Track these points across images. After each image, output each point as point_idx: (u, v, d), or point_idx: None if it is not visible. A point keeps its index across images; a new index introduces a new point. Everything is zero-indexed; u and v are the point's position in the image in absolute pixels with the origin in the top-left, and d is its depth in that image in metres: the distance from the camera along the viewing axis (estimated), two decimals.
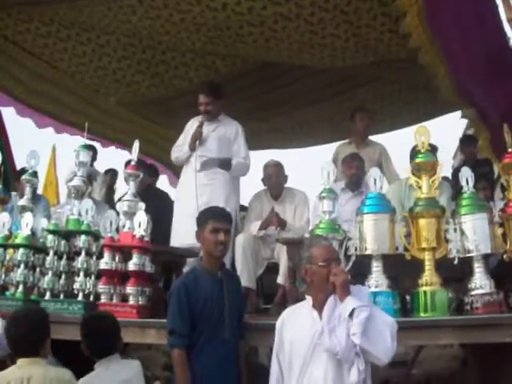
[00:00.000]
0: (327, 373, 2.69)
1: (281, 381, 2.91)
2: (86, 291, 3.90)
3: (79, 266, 3.93)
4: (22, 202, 4.33)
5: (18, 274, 4.02)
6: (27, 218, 4.15)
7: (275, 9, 5.12)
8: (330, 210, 3.66)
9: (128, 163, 4.36)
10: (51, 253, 4.01)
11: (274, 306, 4.35)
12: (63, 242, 4.04)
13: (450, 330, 3.26)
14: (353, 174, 4.93)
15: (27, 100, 6.69)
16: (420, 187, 3.62)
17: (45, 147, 8.00)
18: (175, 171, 7.41)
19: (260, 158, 5.68)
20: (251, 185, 5.49)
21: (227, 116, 5.21)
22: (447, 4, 4.44)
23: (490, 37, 4.77)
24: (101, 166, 6.82)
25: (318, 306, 2.83)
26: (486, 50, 4.74)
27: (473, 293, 3.36)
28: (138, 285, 3.79)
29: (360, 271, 3.55)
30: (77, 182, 4.18)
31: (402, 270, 3.72)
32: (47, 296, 3.96)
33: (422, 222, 3.52)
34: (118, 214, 4.13)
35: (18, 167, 5.90)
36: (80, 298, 3.89)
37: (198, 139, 4.95)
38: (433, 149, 4.05)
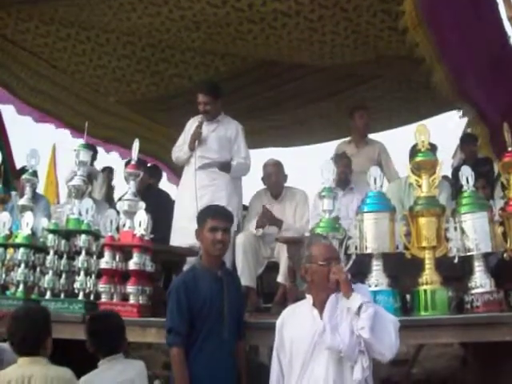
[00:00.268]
0: (328, 371, 2.70)
1: (281, 380, 2.92)
2: (87, 290, 3.89)
3: (79, 265, 3.92)
4: (23, 201, 4.32)
5: (19, 273, 4.01)
6: (27, 217, 4.14)
7: (275, 5, 5.13)
8: (330, 208, 3.66)
9: (128, 163, 4.36)
10: (51, 252, 4.00)
11: (274, 305, 4.35)
12: (63, 242, 4.03)
13: (450, 328, 3.26)
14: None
15: (27, 98, 6.69)
16: (420, 186, 3.62)
17: (44, 146, 8.02)
18: (175, 170, 7.42)
19: (260, 157, 5.69)
20: (252, 184, 5.49)
21: (227, 116, 5.21)
22: (445, 2, 4.44)
23: (489, 35, 4.76)
24: (101, 165, 6.85)
25: (319, 305, 2.83)
26: (485, 48, 4.73)
27: (473, 291, 3.36)
28: (138, 284, 3.79)
29: (360, 270, 3.55)
30: (77, 181, 4.17)
31: (402, 269, 3.73)
32: (48, 295, 3.95)
33: (422, 220, 3.52)
34: (118, 213, 4.12)
35: (18, 167, 5.90)
36: (80, 297, 3.88)
37: (197, 139, 4.94)
38: (432, 148, 4.05)
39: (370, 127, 5.88)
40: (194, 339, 3.16)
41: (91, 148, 4.78)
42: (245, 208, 5.32)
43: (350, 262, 3.48)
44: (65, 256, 4.03)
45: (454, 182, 4.87)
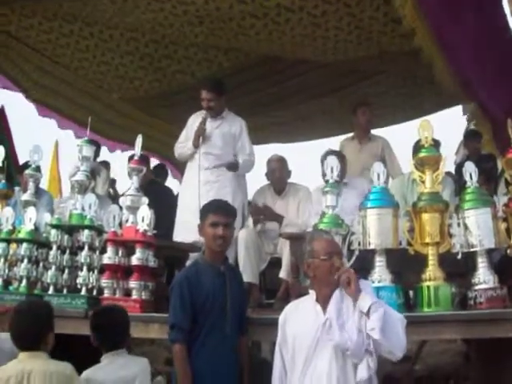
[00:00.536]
0: (331, 366, 2.69)
1: (284, 375, 2.91)
2: (89, 286, 3.89)
3: (82, 260, 3.92)
4: (26, 196, 4.32)
5: (22, 268, 4.01)
6: (31, 212, 4.14)
7: (278, 1, 5.11)
8: (333, 204, 3.65)
9: (131, 158, 4.35)
10: (54, 247, 4.00)
11: (276, 300, 4.35)
12: (66, 237, 4.03)
13: (453, 324, 3.25)
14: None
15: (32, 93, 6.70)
16: (423, 182, 3.60)
17: (47, 142, 8.02)
18: (177, 166, 7.42)
19: (263, 153, 5.69)
20: (255, 180, 5.49)
21: (231, 112, 5.20)
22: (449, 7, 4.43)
23: (492, 30, 4.75)
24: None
25: (322, 300, 2.83)
26: (488, 44, 4.72)
27: (476, 288, 3.35)
28: (141, 279, 3.79)
29: (362, 266, 3.54)
30: (80, 176, 4.16)
31: (405, 265, 3.71)
32: (50, 290, 3.95)
33: (426, 216, 3.51)
34: (121, 208, 4.12)
35: (21, 162, 5.91)
36: (83, 292, 3.88)
37: (201, 136, 4.93)
38: (436, 143, 4.03)
39: (373, 123, 5.86)
40: (196, 334, 3.15)
41: (94, 143, 4.77)
42: (249, 204, 5.31)
43: (353, 258, 3.48)
44: (68, 251, 4.03)
45: (458, 178, 4.85)
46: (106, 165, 6.91)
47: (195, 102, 5.32)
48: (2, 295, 3.99)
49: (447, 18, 4.62)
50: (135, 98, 7.09)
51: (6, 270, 4.11)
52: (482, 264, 3.39)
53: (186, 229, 4.58)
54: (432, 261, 3.47)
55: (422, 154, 3.62)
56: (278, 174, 4.98)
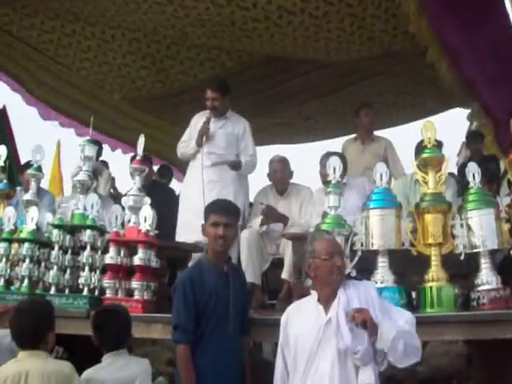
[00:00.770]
0: (334, 368, 2.67)
1: (285, 376, 2.90)
2: (91, 286, 3.88)
3: (84, 260, 3.91)
4: (28, 196, 4.32)
5: (23, 268, 4.01)
6: (32, 212, 4.14)
7: (280, 3, 5.12)
8: (335, 205, 3.64)
9: (133, 158, 4.35)
10: (56, 247, 3.99)
11: (279, 301, 4.34)
12: (68, 237, 4.02)
13: (456, 325, 3.24)
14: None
15: (34, 90, 6.70)
16: (426, 182, 3.59)
17: (48, 142, 8.01)
18: (179, 167, 7.41)
19: (265, 154, 5.68)
20: (256, 180, 5.49)
21: (234, 113, 5.20)
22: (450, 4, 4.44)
23: (495, 30, 4.75)
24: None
25: (323, 301, 2.82)
26: (492, 48, 4.72)
27: (479, 288, 3.33)
28: (143, 280, 3.78)
29: (364, 267, 3.54)
30: (82, 176, 4.16)
31: (407, 266, 3.71)
32: (52, 290, 3.94)
33: (429, 217, 3.49)
34: (123, 208, 4.12)
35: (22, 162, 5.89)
36: (85, 292, 3.88)
37: (204, 135, 4.93)
38: (438, 144, 4.02)
39: (376, 124, 5.85)
40: (200, 335, 3.13)
41: (96, 143, 4.77)
42: (250, 205, 5.31)
43: (356, 259, 3.47)
44: (69, 251, 4.02)
45: (460, 179, 4.84)
46: (104, 164, 6.90)
47: (198, 103, 5.33)
48: (3, 295, 3.99)
49: (448, 17, 4.62)
50: (137, 98, 7.10)
51: (8, 270, 4.11)
52: (484, 265, 3.38)
53: (188, 229, 4.58)
54: (435, 261, 3.46)
55: (425, 155, 3.60)
56: (280, 174, 4.97)
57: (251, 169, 5.13)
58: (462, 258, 3.41)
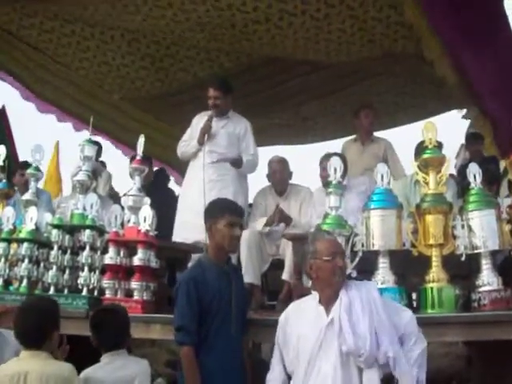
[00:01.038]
0: (336, 369, 2.65)
1: (284, 376, 2.89)
2: (91, 286, 3.87)
3: (84, 260, 3.89)
4: (27, 196, 4.29)
5: (22, 268, 3.98)
6: (32, 212, 4.12)
7: (280, 6, 5.12)
8: (336, 205, 3.63)
9: (133, 158, 4.34)
10: (55, 247, 3.97)
11: (279, 302, 4.33)
12: (67, 237, 4.01)
13: (457, 326, 3.23)
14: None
15: (33, 86, 6.68)
16: (427, 183, 3.58)
17: (46, 143, 7.99)
18: (179, 170, 7.39)
19: (264, 155, 5.66)
20: (255, 181, 5.48)
21: (236, 113, 5.20)
22: (455, 17, 4.44)
23: (494, 31, 4.75)
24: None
25: (324, 302, 2.80)
26: (490, 46, 4.72)
27: (480, 289, 3.32)
28: (142, 280, 3.77)
29: (365, 268, 3.52)
30: (82, 176, 4.14)
31: (407, 267, 3.70)
32: (51, 291, 3.92)
33: (430, 218, 3.48)
34: (122, 208, 4.10)
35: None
36: (84, 292, 3.86)
37: (206, 133, 4.92)
38: (438, 145, 4.02)
39: (375, 125, 5.85)
40: (204, 335, 3.10)
41: (96, 144, 4.76)
42: (250, 206, 5.30)
43: (357, 259, 3.46)
44: (69, 251, 4.00)
45: (460, 180, 4.84)
46: (102, 165, 6.88)
47: (198, 102, 5.34)
48: (2, 295, 3.97)
49: (449, 19, 4.62)
50: (137, 98, 7.08)
51: (7, 270, 4.09)
52: (485, 266, 3.37)
53: (187, 228, 4.57)
54: (436, 262, 3.45)
55: (426, 156, 3.59)
56: (280, 175, 4.97)
57: (252, 168, 5.14)
58: (463, 258, 3.40)
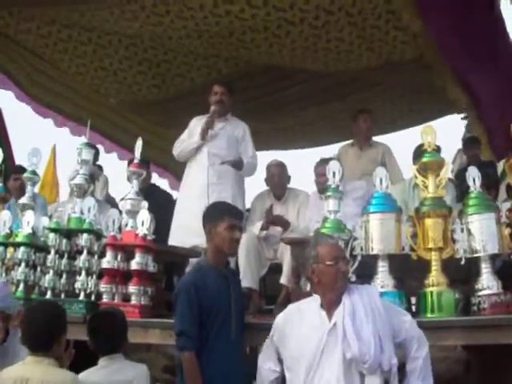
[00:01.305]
0: (339, 376, 2.62)
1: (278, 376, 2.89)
2: (88, 291, 3.84)
3: (81, 265, 3.86)
4: (24, 199, 4.27)
5: (19, 272, 3.95)
6: (28, 216, 4.09)
7: (279, 14, 5.12)
8: (335, 209, 3.62)
9: (131, 161, 4.32)
10: (52, 251, 3.95)
11: (277, 306, 4.29)
12: (64, 241, 3.98)
13: (457, 330, 3.22)
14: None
15: (29, 89, 6.67)
16: (426, 187, 3.58)
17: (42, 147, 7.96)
18: (176, 174, 7.37)
19: (262, 160, 5.65)
20: (253, 185, 5.47)
21: (234, 116, 5.20)
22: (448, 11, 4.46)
23: (491, 37, 4.77)
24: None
25: (326, 306, 2.78)
26: (489, 56, 4.74)
27: (480, 293, 3.31)
28: (140, 284, 3.75)
29: (363, 272, 3.51)
30: (79, 179, 4.13)
31: (406, 271, 3.69)
32: (48, 295, 3.89)
33: (429, 221, 3.47)
34: (120, 212, 4.08)
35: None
36: (81, 297, 3.83)
37: (210, 128, 4.90)
38: (437, 149, 4.02)
39: (373, 130, 5.84)
40: (204, 340, 3.07)
41: (93, 147, 4.73)
42: (247, 210, 5.27)
43: (356, 264, 3.45)
44: (66, 255, 3.98)
45: (458, 184, 4.83)
46: (99, 169, 6.85)
47: (194, 109, 5.30)
48: None
49: (446, 24, 4.64)
50: (133, 103, 7.06)
51: (3, 274, 4.05)
52: (485, 270, 3.36)
53: (186, 232, 4.53)
54: (435, 266, 3.44)
55: (425, 159, 3.59)
56: (278, 179, 4.96)
57: (252, 171, 5.14)
58: (463, 262, 3.39)
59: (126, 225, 3.98)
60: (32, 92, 6.74)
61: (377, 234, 3.46)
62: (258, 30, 5.42)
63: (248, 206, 5.30)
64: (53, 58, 6.41)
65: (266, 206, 4.92)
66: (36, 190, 4.78)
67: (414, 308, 3.54)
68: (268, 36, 5.48)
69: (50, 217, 4.40)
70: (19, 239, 4.04)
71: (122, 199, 4.44)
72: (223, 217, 3.24)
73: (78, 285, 3.85)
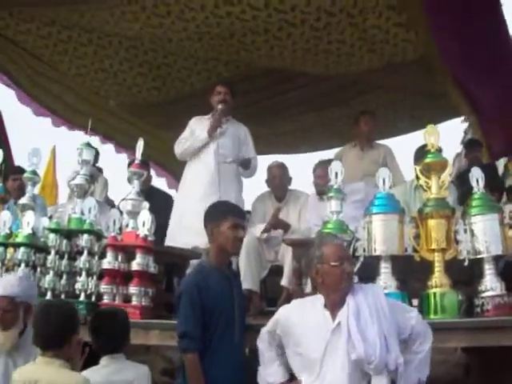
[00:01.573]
0: (343, 377, 2.60)
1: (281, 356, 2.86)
2: (88, 291, 3.81)
3: (81, 265, 3.83)
4: (24, 200, 4.24)
5: (19, 273, 3.90)
6: (29, 216, 4.06)
7: (280, 16, 5.11)
8: (337, 210, 3.61)
9: (132, 162, 4.29)
10: (53, 252, 3.92)
11: (278, 308, 4.27)
12: (65, 242, 3.95)
13: (460, 332, 3.20)
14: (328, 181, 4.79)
15: (29, 90, 6.64)
16: (429, 188, 3.56)
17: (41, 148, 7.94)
18: (174, 175, 7.35)
19: (260, 163, 5.63)
20: (249, 187, 5.45)
21: (234, 119, 5.20)
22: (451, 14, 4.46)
23: (492, 41, 4.77)
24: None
25: (330, 307, 2.76)
26: (490, 61, 4.74)
27: (483, 295, 3.29)
28: (141, 285, 3.72)
29: (365, 274, 3.49)
30: (80, 180, 4.10)
31: (409, 273, 3.67)
32: (48, 296, 3.85)
33: (432, 222, 3.46)
34: (121, 213, 4.06)
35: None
36: (82, 298, 3.80)
37: (218, 126, 4.89)
38: (439, 150, 4.01)
39: (375, 133, 5.84)
40: (207, 341, 3.05)
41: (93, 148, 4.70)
42: (248, 213, 5.25)
43: (358, 265, 3.43)
44: (66, 256, 3.95)
45: (458, 186, 4.82)
46: (99, 170, 6.82)
47: (194, 111, 5.29)
48: None
49: (449, 27, 4.64)
50: (133, 105, 7.04)
51: (3, 275, 4.01)
52: (488, 271, 3.34)
53: (188, 232, 4.49)
54: (438, 267, 3.42)
55: (428, 160, 3.57)
56: (279, 180, 4.94)
57: (253, 172, 5.15)
58: (466, 263, 3.38)
59: (127, 225, 3.95)
60: (33, 93, 6.71)
61: (380, 235, 3.44)
62: (258, 31, 5.41)
63: (247, 207, 5.29)
64: (52, 59, 6.38)
65: (266, 207, 4.90)
66: (36, 191, 4.78)
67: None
68: (269, 38, 5.47)
69: (50, 217, 4.37)
70: (19, 240, 4.01)
71: (123, 200, 4.41)
72: (226, 216, 3.22)
73: (78, 286, 3.81)
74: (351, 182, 4.91)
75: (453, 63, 4.93)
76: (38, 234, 4.13)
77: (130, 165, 4.60)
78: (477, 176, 3.49)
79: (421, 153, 4.07)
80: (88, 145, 4.25)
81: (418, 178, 3.86)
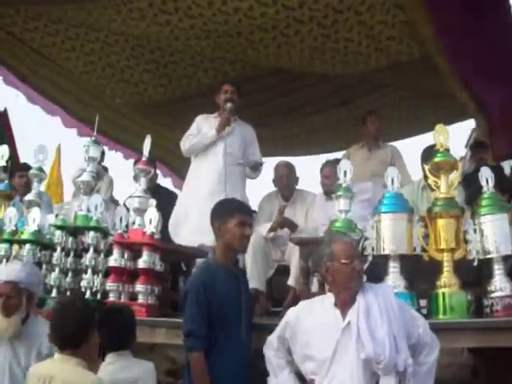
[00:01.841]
0: (353, 376, 2.58)
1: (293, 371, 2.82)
2: (94, 289, 3.78)
3: (87, 263, 3.81)
4: (30, 196, 4.22)
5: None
6: (34, 213, 4.05)
7: (288, 13, 5.10)
8: (346, 208, 3.58)
9: (138, 160, 4.28)
10: (58, 249, 3.89)
11: (284, 308, 4.22)
12: (71, 239, 3.93)
13: (469, 332, 3.18)
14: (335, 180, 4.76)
15: (36, 84, 6.65)
16: (438, 187, 3.54)
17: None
18: (179, 174, 7.34)
19: (266, 164, 5.60)
20: (254, 187, 5.44)
21: (240, 120, 5.18)
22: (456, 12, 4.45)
23: (499, 39, 4.75)
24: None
25: (340, 305, 2.73)
26: (494, 52, 4.72)
27: (493, 295, 3.26)
28: (147, 283, 3.72)
29: (373, 274, 3.46)
30: (86, 177, 4.07)
31: (416, 273, 3.64)
32: (53, 293, 3.83)
33: (441, 222, 3.43)
34: (127, 210, 4.04)
35: None
36: (87, 295, 3.77)
37: (227, 125, 4.86)
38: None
39: (382, 132, 5.82)
40: (213, 340, 3.03)
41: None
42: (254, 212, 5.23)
43: (367, 264, 3.40)
44: (72, 253, 3.93)
45: (466, 187, 4.79)
46: (104, 169, 6.82)
47: (200, 110, 5.27)
48: None
49: (454, 25, 4.62)
50: (139, 103, 7.02)
51: None
52: (498, 271, 3.31)
53: (195, 230, 4.47)
54: (447, 267, 3.39)
55: (437, 159, 3.55)
56: (286, 179, 4.92)
57: (259, 174, 5.12)
58: (476, 263, 3.35)
59: (134, 223, 3.94)
60: (40, 87, 6.71)
61: (388, 234, 3.41)
62: (266, 29, 5.39)
63: (253, 207, 5.26)
64: (59, 56, 6.38)
65: (273, 207, 4.88)
66: (42, 188, 4.77)
67: (423, 310, 3.49)
68: (276, 35, 5.45)
69: (57, 215, 4.35)
70: (25, 236, 3.99)
71: (130, 197, 4.39)
72: (233, 213, 3.20)
73: (83, 283, 3.78)
74: (359, 181, 4.90)
75: (458, 61, 4.91)
76: (44, 231, 4.10)
77: (136, 162, 4.58)
78: (486, 176, 3.46)
79: (428, 153, 4.05)
80: (95, 142, 4.23)
81: (426, 177, 3.84)
